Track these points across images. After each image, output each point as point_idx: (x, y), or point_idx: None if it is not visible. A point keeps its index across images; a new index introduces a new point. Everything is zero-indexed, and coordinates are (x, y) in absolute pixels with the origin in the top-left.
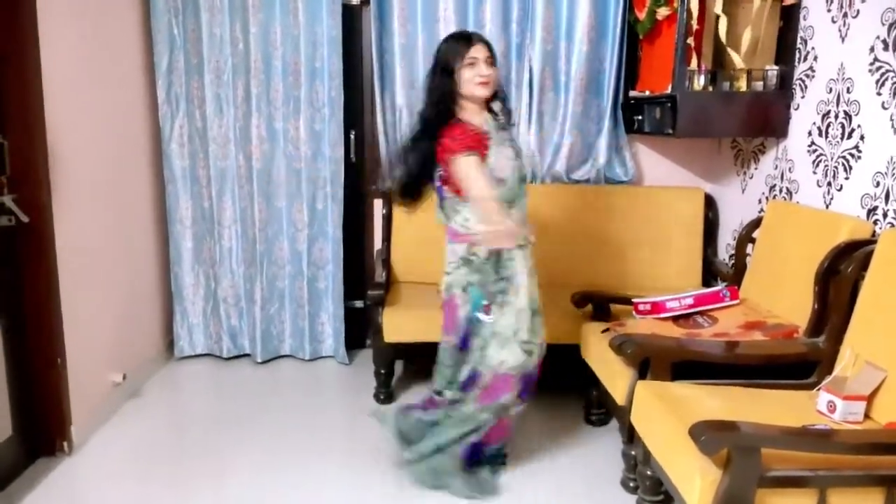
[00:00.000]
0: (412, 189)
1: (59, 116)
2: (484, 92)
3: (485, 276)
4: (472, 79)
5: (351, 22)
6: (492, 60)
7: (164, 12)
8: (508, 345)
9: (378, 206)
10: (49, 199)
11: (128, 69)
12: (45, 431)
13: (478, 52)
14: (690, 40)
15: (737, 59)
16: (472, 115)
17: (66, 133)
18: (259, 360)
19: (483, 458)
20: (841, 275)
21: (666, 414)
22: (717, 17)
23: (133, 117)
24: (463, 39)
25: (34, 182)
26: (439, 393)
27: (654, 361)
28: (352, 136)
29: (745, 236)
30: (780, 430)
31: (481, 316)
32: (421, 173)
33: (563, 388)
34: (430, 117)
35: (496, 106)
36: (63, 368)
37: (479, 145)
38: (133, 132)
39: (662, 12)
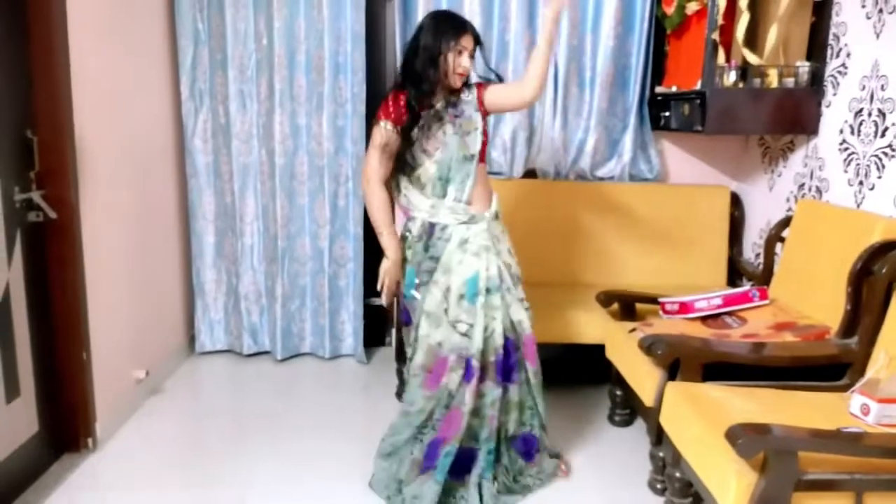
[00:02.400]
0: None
1: (86, 112)
2: (459, 83)
3: (416, 255)
4: (455, 68)
5: (374, 16)
6: (474, 53)
7: (189, 7)
8: (441, 325)
9: None
10: (76, 196)
11: (152, 65)
12: (70, 428)
13: (468, 41)
14: (719, 35)
15: (752, 58)
16: (437, 93)
17: (92, 129)
18: (279, 358)
19: (441, 462)
20: (874, 275)
21: (697, 416)
22: (741, 13)
23: (157, 113)
24: (458, 24)
25: (62, 178)
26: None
27: (684, 362)
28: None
29: (775, 235)
30: (818, 433)
31: (415, 294)
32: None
33: (586, 387)
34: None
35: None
36: (88, 364)
37: (400, 118)
38: (157, 128)
39: (692, 7)
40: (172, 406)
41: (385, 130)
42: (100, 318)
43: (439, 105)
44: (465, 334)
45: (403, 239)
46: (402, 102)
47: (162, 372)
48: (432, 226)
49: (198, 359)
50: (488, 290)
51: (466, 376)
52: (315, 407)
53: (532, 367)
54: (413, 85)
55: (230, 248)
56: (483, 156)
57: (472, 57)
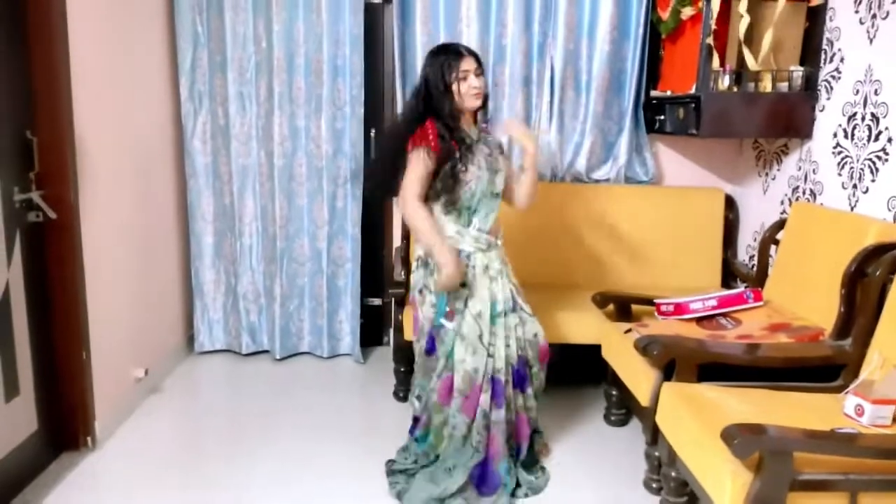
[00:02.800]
0: (384, 187)
1: (86, 114)
2: (477, 103)
3: None
4: (467, 91)
5: (371, 20)
6: (480, 71)
7: (188, 10)
8: (477, 351)
9: (396, 204)
10: (76, 196)
11: (152, 67)
12: (69, 426)
13: (468, 64)
14: (714, 40)
15: (750, 61)
16: (462, 124)
17: (92, 130)
18: (278, 357)
19: (506, 480)
20: (868, 277)
21: (693, 416)
22: (741, 16)
23: (156, 114)
24: (453, 53)
25: (62, 179)
26: (419, 398)
27: (679, 363)
28: (371, 135)
29: (769, 238)
30: (812, 433)
31: (445, 322)
32: (393, 168)
33: (582, 387)
34: (413, 121)
35: (481, 115)
36: (88, 364)
37: (435, 143)
38: (156, 129)
39: (687, 12)
40: (171, 405)
41: (424, 158)
42: (99, 317)
43: (470, 140)
44: (491, 355)
45: (426, 265)
46: (432, 132)
47: (161, 371)
48: (457, 252)
49: (196, 358)
50: (504, 312)
51: (495, 395)
52: (313, 406)
53: (539, 364)
54: (440, 118)
55: (229, 248)
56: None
57: (479, 75)
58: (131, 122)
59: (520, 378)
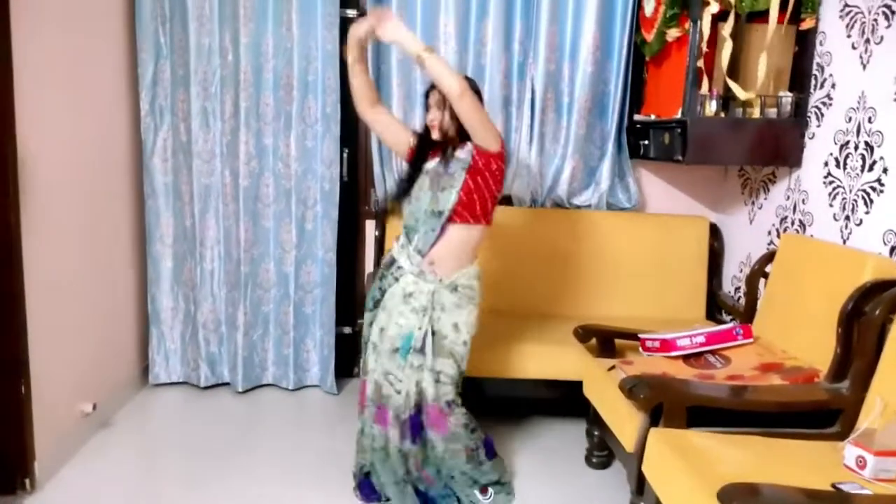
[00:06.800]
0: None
1: (32, 129)
2: (433, 135)
3: (375, 280)
4: (428, 123)
5: (344, 35)
6: (443, 103)
7: (151, 20)
8: (380, 357)
9: (370, 227)
10: (17, 218)
11: (110, 79)
12: (4, 468)
13: (431, 97)
14: (702, 63)
15: (738, 91)
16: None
17: (38, 147)
18: (239, 390)
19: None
20: (867, 317)
21: (684, 467)
22: (724, 40)
23: (113, 130)
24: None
25: (1, 199)
26: None
27: (668, 407)
28: (345, 155)
29: (758, 270)
30: (814, 493)
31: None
32: None
33: (564, 424)
34: None
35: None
36: (27, 398)
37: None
38: (113, 145)
39: (672, 34)
40: (122, 442)
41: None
42: (42, 348)
43: (435, 160)
44: (398, 392)
45: (383, 277)
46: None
47: (112, 405)
48: (394, 261)
49: (151, 391)
50: (413, 349)
51: (410, 433)
52: (277, 444)
53: (440, 435)
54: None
55: (189, 273)
56: (475, 216)
57: (439, 108)
58: (85, 137)
59: (413, 426)
